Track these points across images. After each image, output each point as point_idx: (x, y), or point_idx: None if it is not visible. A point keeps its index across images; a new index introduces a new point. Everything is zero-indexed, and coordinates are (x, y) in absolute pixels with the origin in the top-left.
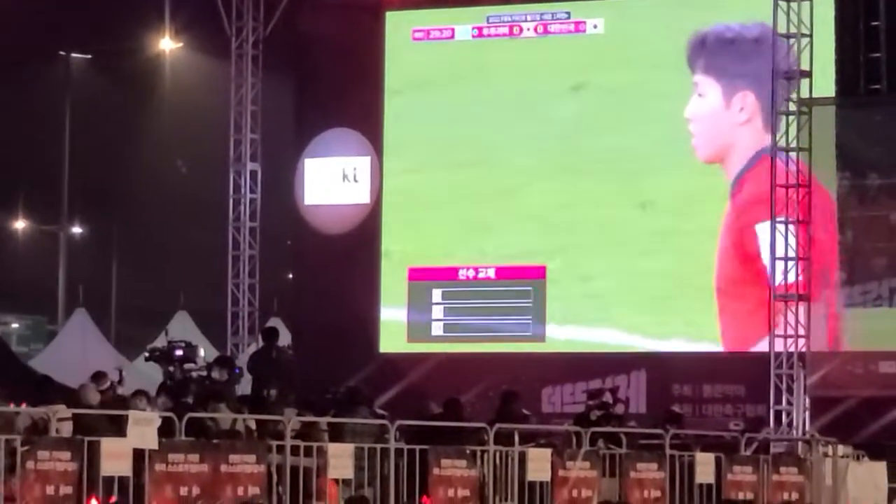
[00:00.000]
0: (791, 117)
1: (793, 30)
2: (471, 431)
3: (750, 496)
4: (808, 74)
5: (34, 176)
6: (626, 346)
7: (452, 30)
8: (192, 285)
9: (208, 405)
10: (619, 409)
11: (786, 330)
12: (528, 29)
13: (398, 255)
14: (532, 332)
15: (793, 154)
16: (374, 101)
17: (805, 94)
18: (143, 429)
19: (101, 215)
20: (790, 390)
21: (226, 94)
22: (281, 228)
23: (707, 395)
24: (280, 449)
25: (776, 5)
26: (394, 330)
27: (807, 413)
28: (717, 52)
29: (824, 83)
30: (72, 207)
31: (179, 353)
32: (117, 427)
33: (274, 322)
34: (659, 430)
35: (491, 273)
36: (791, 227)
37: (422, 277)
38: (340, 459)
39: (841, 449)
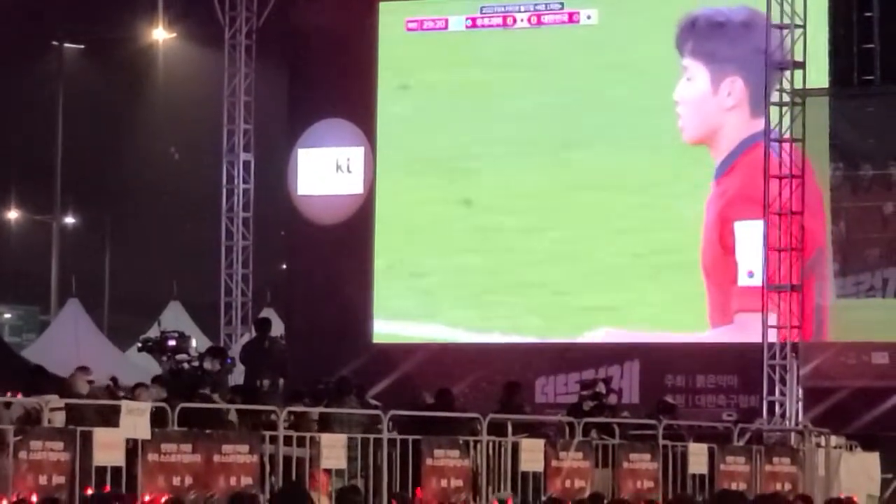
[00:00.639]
0: (784, 108)
1: (786, 20)
2: (463, 422)
3: (743, 486)
4: (802, 65)
5: (27, 166)
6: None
7: (446, 20)
8: (185, 275)
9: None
10: (612, 399)
11: (779, 320)
12: (522, 20)
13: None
14: None
15: (786, 145)
16: (367, 92)
17: (798, 84)
18: (136, 419)
19: (94, 205)
20: (783, 381)
21: (219, 85)
22: (274, 219)
23: (700, 385)
24: (273, 439)
25: None
26: (387, 320)
27: (800, 404)
28: (706, 37)
29: (817, 74)
30: (65, 198)
31: (172, 343)
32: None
33: (267, 312)
34: (652, 421)
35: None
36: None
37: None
38: (333, 450)
39: (834, 439)
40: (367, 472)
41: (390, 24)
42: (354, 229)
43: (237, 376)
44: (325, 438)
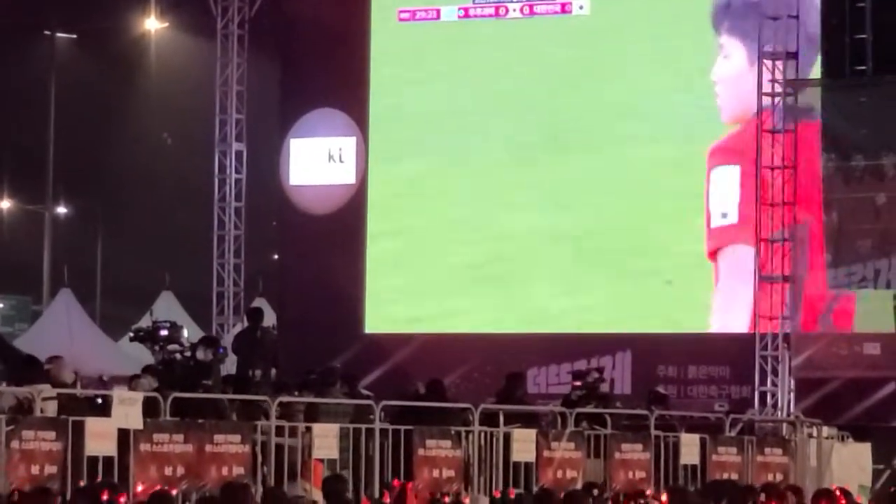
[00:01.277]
0: (777, 98)
1: (779, 11)
2: (455, 412)
3: (734, 477)
4: (795, 56)
5: (19, 156)
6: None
7: (438, 11)
8: (178, 265)
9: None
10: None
11: (771, 311)
12: (514, 10)
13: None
14: None
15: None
16: (359, 82)
17: (791, 75)
18: (128, 409)
19: (85, 195)
20: (775, 371)
21: (211, 75)
22: (266, 208)
23: (692, 376)
24: (265, 429)
25: None
26: (379, 310)
27: (791, 394)
28: (742, 15)
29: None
30: (56, 187)
31: (164, 333)
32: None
33: (259, 302)
34: (644, 412)
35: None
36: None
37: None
38: (325, 440)
39: (825, 430)
40: (359, 463)
41: (383, 14)
42: (346, 219)
43: (229, 366)
44: (318, 428)
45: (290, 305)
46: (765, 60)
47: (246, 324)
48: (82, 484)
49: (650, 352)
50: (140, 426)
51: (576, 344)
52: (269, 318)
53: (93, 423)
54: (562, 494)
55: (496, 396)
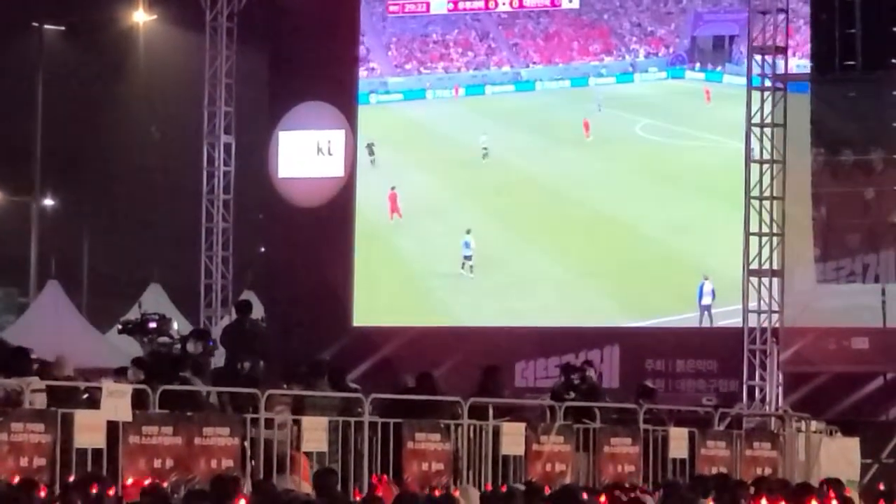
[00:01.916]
0: (766, 93)
1: (769, 6)
2: (444, 405)
3: (723, 471)
4: (784, 51)
5: (6, 147)
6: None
7: (427, 3)
8: (165, 258)
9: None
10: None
11: (759, 305)
12: (504, 3)
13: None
14: None
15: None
16: (348, 75)
17: (780, 70)
18: (117, 401)
19: (73, 187)
20: (763, 366)
21: (200, 67)
22: (255, 201)
23: (680, 370)
24: (254, 422)
25: None
26: (367, 303)
27: (780, 388)
28: None
29: (799, 59)
30: (44, 179)
31: (153, 325)
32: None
33: (247, 295)
34: (632, 405)
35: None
36: (765, 203)
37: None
38: (314, 433)
39: (814, 424)
40: (347, 456)
41: (372, 7)
42: (335, 212)
43: (218, 359)
44: (307, 421)
45: (278, 298)
46: (754, 55)
47: (234, 317)
48: (71, 479)
49: (638, 346)
50: (129, 418)
51: (564, 338)
52: (258, 311)
53: (82, 416)
54: (546, 489)
55: (476, 388)
